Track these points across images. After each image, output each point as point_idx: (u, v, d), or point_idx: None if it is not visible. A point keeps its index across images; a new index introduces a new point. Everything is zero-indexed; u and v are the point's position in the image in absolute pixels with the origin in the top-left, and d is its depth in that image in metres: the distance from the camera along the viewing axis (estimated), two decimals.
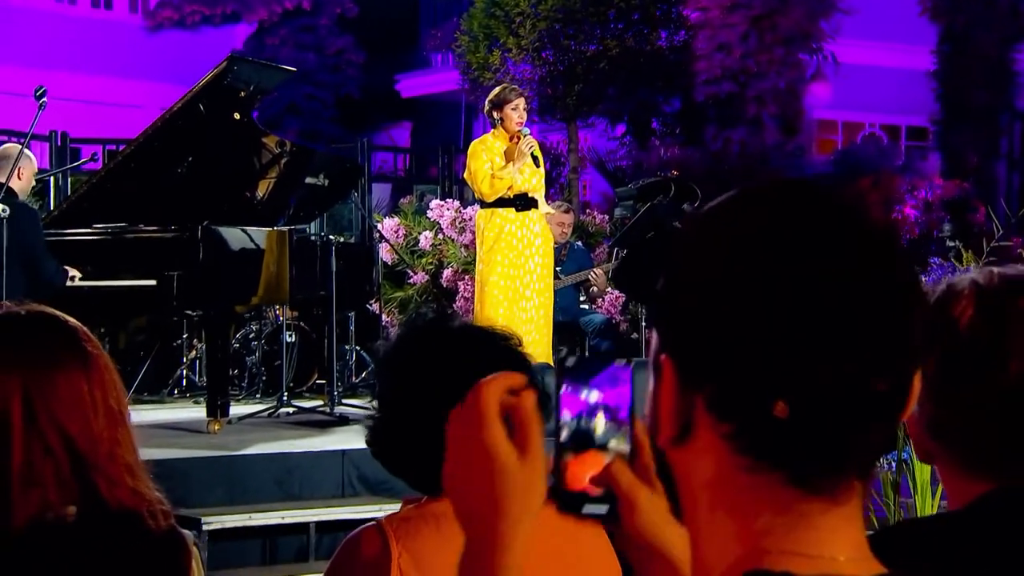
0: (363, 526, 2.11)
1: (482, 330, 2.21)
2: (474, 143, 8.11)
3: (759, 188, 0.98)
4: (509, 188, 7.79)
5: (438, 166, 13.27)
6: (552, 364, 7.37)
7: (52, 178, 11.11)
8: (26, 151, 6.99)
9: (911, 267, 0.95)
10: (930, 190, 11.85)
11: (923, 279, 1.51)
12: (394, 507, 6.59)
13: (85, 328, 1.96)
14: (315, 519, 5.86)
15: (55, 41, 19.29)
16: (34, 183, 7.74)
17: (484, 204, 7.95)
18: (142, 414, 8.17)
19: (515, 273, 7.79)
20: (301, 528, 5.84)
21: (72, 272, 7.02)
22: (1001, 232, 9.45)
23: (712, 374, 0.94)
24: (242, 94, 7.64)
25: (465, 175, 8.17)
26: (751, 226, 0.93)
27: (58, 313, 1.95)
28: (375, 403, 2.17)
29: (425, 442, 2.11)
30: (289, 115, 18.23)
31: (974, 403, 1.45)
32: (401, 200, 12.78)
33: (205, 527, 5.56)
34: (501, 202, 7.83)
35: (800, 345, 0.90)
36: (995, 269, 1.52)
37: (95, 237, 7.26)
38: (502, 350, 2.18)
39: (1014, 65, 15.17)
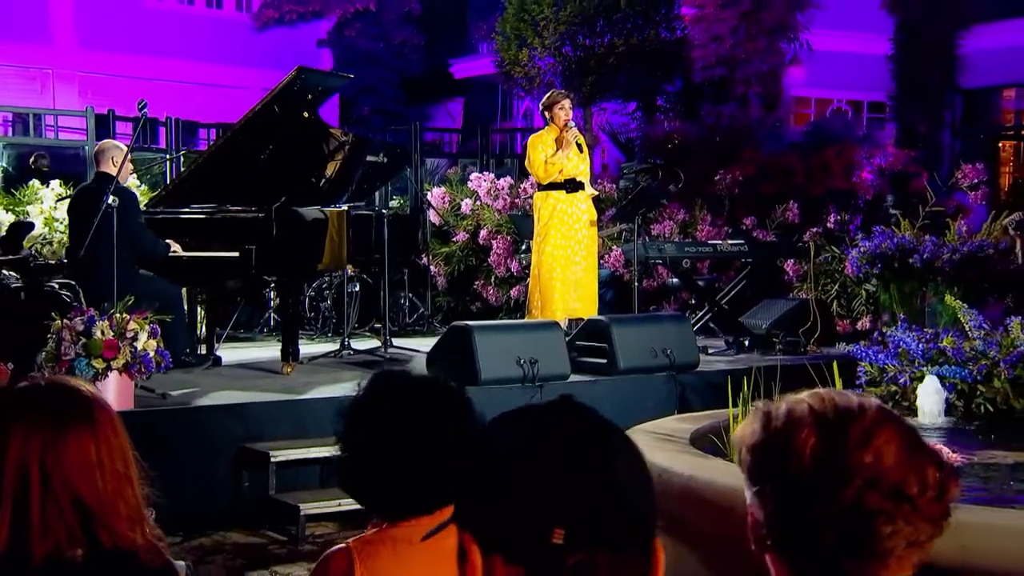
0: (334, 547, 2.08)
1: (435, 383, 2.16)
2: (532, 137, 8.07)
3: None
4: (560, 172, 7.73)
5: (480, 143, 13.12)
6: (598, 316, 7.40)
7: (169, 158, 11.06)
8: (120, 144, 6.92)
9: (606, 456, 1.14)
10: (884, 158, 11.58)
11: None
12: None
13: (99, 396, 1.92)
14: None
15: (177, 34, 19.27)
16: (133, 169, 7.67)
17: (540, 187, 7.89)
18: (235, 352, 8.22)
19: (566, 243, 7.76)
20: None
21: (174, 246, 7.01)
22: (934, 199, 9.25)
23: (506, 531, 1.10)
24: (309, 97, 7.57)
25: (525, 163, 8.13)
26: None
27: (74, 384, 1.91)
28: (340, 446, 2.13)
29: (385, 478, 2.08)
30: (363, 94, 18.08)
31: (810, 525, 1.38)
32: (448, 171, 12.69)
33: (273, 459, 5.59)
34: (554, 186, 7.78)
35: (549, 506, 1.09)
36: (826, 396, 1.44)
37: (192, 216, 7.27)
38: (452, 400, 2.13)
39: (957, 50, 14.87)
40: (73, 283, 4.61)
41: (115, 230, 6.18)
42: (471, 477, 1.14)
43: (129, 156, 6.82)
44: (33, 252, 4.74)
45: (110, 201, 6.13)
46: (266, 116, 7.41)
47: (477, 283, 10.60)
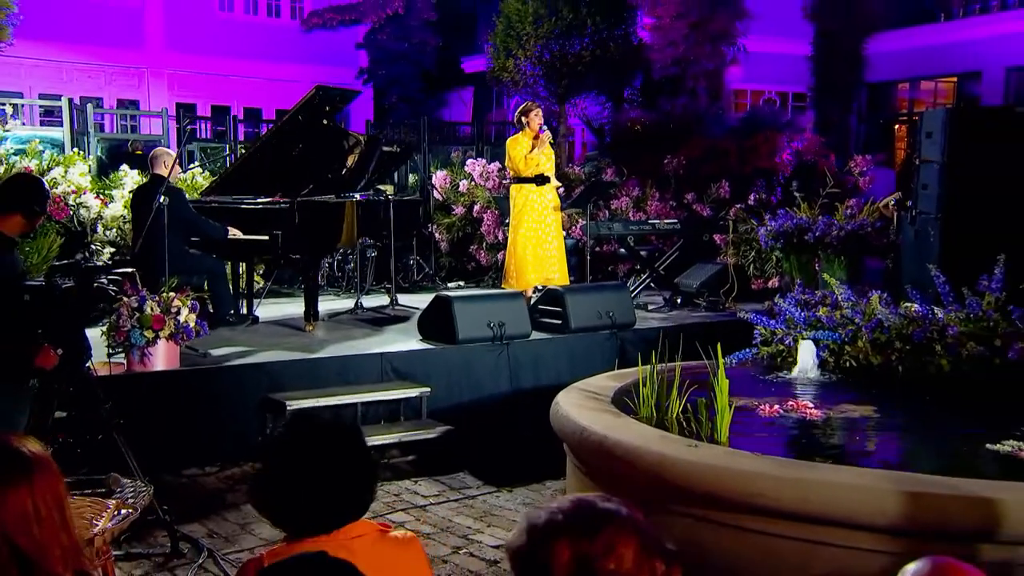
0: (250, 558, 2.05)
1: (337, 425, 2.10)
2: (509, 140, 7.89)
3: None
4: (537, 165, 7.59)
5: (475, 132, 12.92)
6: (553, 286, 7.31)
7: (229, 150, 10.95)
8: (171, 151, 6.81)
9: None
10: (801, 142, 11.34)
11: None
12: (412, 391, 6.42)
13: (40, 453, 1.83)
14: (361, 399, 5.81)
15: (245, 38, 19.01)
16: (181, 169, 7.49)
17: (515, 180, 7.74)
18: (274, 308, 8.16)
19: (537, 227, 7.65)
20: (352, 405, 5.81)
21: (233, 231, 6.90)
22: (832, 183, 9.04)
23: None
24: (327, 108, 7.44)
25: (507, 162, 7.94)
26: None
27: (16, 444, 1.78)
28: (257, 474, 2.07)
29: (294, 502, 2.03)
30: (391, 85, 17.83)
31: None
32: (451, 154, 12.53)
33: (289, 407, 5.56)
34: (526, 180, 7.63)
35: None
36: (582, 505, 1.37)
37: (233, 206, 7.19)
38: (351, 439, 2.07)
39: (863, 52, 14.53)
40: (120, 277, 4.57)
41: (166, 223, 6.13)
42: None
43: (177, 160, 6.73)
44: (89, 254, 4.67)
45: (161, 200, 6.06)
46: (293, 124, 7.30)
47: (472, 247, 10.52)
